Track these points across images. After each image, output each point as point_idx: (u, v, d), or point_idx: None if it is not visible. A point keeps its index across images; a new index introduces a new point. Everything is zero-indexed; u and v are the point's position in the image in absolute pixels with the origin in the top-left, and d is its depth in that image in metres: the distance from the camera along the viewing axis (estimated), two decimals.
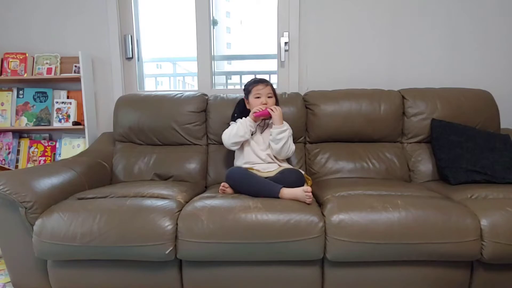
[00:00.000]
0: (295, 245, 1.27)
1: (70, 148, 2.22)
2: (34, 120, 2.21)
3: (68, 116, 2.19)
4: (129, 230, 1.29)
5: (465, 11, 2.11)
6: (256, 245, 1.28)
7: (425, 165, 1.85)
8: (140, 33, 2.36)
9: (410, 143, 1.95)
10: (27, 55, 2.18)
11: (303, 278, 1.37)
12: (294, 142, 1.73)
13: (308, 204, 1.36)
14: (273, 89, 1.75)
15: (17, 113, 2.22)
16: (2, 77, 2.15)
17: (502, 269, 1.33)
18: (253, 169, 1.60)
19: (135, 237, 1.28)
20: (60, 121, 2.19)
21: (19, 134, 2.27)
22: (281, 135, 1.62)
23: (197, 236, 1.28)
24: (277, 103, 1.74)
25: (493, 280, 1.34)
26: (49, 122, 2.21)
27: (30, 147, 2.24)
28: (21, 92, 2.23)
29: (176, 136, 1.96)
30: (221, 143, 1.76)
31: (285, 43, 2.17)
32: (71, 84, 2.24)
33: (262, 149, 1.68)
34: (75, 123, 2.17)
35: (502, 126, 1.96)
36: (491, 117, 1.91)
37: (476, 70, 2.14)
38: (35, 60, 2.20)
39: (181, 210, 1.36)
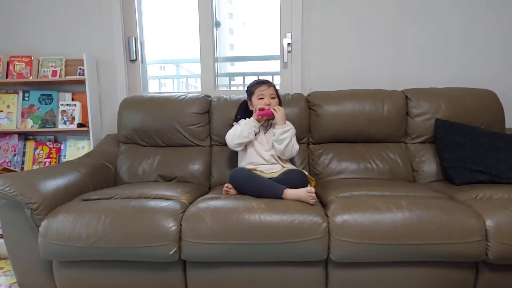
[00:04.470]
0: (299, 245, 1.27)
1: (75, 149, 2.24)
2: (40, 122, 2.23)
3: (73, 118, 2.21)
4: (133, 231, 1.29)
5: (470, 10, 2.10)
6: (259, 245, 1.28)
7: (429, 166, 1.84)
8: (144, 35, 2.37)
9: (413, 143, 1.94)
10: (32, 58, 2.20)
11: (307, 278, 1.37)
12: (297, 143, 1.73)
13: (312, 204, 1.36)
14: (276, 90, 1.75)
15: (22, 116, 2.24)
16: (8, 80, 2.17)
17: (508, 269, 1.31)
18: (256, 170, 1.61)
19: (140, 238, 1.29)
20: (65, 123, 2.21)
21: (24, 136, 2.29)
22: (284, 135, 1.62)
23: (201, 237, 1.29)
24: (280, 104, 1.74)
25: (498, 281, 1.33)
26: (54, 124, 2.22)
27: (35, 149, 2.26)
28: (26, 94, 2.25)
29: (179, 137, 1.96)
30: (225, 144, 1.76)
31: (288, 44, 2.18)
32: (76, 87, 2.25)
33: (266, 150, 1.68)
34: (79, 125, 2.19)
35: (507, 126, 1.94)
36: (495, 117, 1.89)
37: (480, 69, 2.13)
38: (40, 63, 2.22)
39: (185, 211, 1.37)
